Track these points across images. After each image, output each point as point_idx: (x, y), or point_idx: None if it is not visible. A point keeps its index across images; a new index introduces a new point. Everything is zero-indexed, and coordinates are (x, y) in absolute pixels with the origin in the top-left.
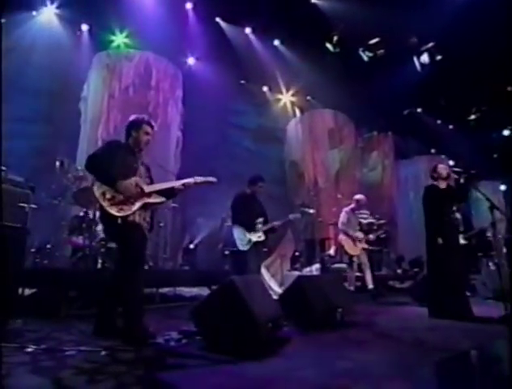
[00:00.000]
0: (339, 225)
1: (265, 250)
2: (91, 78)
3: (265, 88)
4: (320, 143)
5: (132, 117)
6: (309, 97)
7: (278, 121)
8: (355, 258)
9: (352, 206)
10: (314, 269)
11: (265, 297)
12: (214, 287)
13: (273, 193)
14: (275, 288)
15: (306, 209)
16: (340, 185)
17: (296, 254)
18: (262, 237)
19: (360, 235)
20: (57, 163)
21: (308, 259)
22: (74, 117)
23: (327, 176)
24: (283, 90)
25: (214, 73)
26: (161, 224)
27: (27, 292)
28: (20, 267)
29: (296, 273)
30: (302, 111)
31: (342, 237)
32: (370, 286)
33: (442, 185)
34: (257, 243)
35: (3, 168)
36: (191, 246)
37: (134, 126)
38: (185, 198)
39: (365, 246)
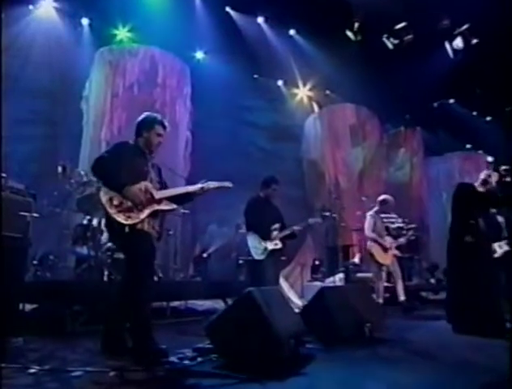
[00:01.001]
0: (366, 232)
1: (283, 258)
2: (92, 76)
3: (280, 83)
4: (341, 140)
5: (143, 116)
6: (328, 91)
7: (294, 117)
8: (384, 267)
9: (377, 208)
10: (338, 279)
11: (286, 310)
12: (228, 299)
13: (290, 196)
14: (295, 301)
15: (327, 213)
16: (364, 186)
17: (316, 262)
18: (279, 245)
19: (390, 241)
20: (59, 168)
21: (330, 268)
22: (76, 118)
23: (350, 176)
24: (300, 84)
25: (224, 67)
26: (170, 232)
27: (28, 307)
28: (21, 281)
29: (318, 284)
30: (321, 106)
31: (371, 244)
32: (402, 298)
33: (481, 188)
34: (273, 251)
35: (3, 174)
36: (204, 255)
37: (146, 125)
38: (195, 204)
39: (397, 253)
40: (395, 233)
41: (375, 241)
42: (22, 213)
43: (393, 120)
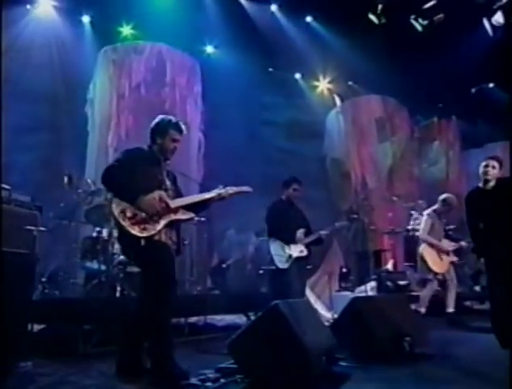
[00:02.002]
0: (421, 233)
1: (308, 267)
2: (96, 77)
3: (297, 75)
4: (367, 135)
5: (156, 120)
6: (350, 82)
7: (315, 112)
8: (440, 275)
9: (436, 207)
10: (369, 288)
11: (316, 324)
12: (250, 314)
13: (313, 198)
14: (323, 313)
15: (354, 215)
16: (395, 185)
17: (344, 270)
18: (305, 252)
19: (448, 245)
20: (65, 177)
21: (360, 276)
22: (81, 122)
23: (378, 174)
24: (320, 76)
25: (237, 62)
26: (186, 242)
27: (36, 327)
28: (29, 300)
29: (347, 294)
30: (343, 99)
31: (424, 248)
32: (450, 309)
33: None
34: (298, 259)
35: (7, 186)
36: (223, 266)
37: (159, 131)
38: (211, 211)
39: (455, 259)
40: (455, 236)
41: (431, 244)
42: (28, 227)
43: (424, 110)
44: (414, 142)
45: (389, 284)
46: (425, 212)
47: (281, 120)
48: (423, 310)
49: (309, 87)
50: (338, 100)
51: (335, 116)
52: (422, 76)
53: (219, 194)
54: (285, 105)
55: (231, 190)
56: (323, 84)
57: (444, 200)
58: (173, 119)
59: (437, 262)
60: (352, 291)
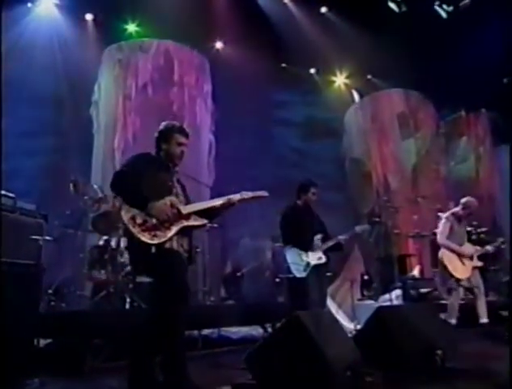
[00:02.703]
0: (439, 238)
1: (328, 274)
2: (101, 77)
3: (312, 71)
4: (389, 132)
5: (160, 127)
6: (369, 76)
7: (332, 110)
8: (464, 282)
9: (455, 210)
10: (394, 297)
11: (339, 336)
12: (267, 325)
13: (332, 202)
14: (345, 324)
15: (376, 219)
16: (420, 185)
17: (366, 277)
18: (324, 259)
19: (471, 250)
20: (71, 184)
21: (384, 284)
22: (86, 125)
23: (401, 174)
24: (336, 70)
25: (247, 58)
26: (198, 250)
27: (42, 343)
28: (35, 313)
29: (371, 303)
30: (362, 94)
31: (444, 253)
32: (484, 320)
33: None
34: (317, 267)
35: (11, 195)
36: (238, 274)
37: (163, 136)
38: (223, 216)
39: (479, 264)
40: (478, 240)
41: (451, 249)
42: (33, 237)
43: (451, 104)
44: (440, 138)
45: (415, 292)
46: (443, 216)
47: (296, 119)
48: (453, 321)
49: (325, 82)
50: (356, 96)
51: (354, 113)
52: (448, 67)
53: (234, 200)
54: (300, 103)
55: (246, 195)
56: (340, 79)
57: (464, 204)
58: (176, 124)
59: (458, 268)
60: (376, 300)
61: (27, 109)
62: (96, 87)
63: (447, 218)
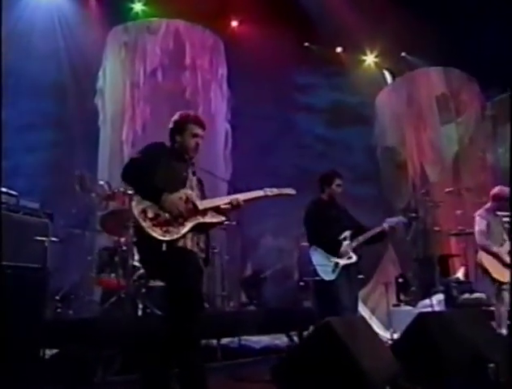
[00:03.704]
0: (479, 239)
1: (360, 276)
2: (106, 63)
3: (339, 49)
4: (426, 116)
5: (175, 116)
6: (403, 53)
7: (361, 93)
8: (506, 285)
9: (488, 205)
10: (436, 302)
11: (376, 346)
12: (293, 333)
13: (362, 195)
14: (380, 332)
15: (413, 214)
16: (463, 176)
17: (400, 280)
18: (354, 258)
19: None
20: (76, 180)
21: (423, 288)
22: (90, 116)
23: (441, 164)
24: (366, 48)
25: (266, 37)
26: (215, 250)
27: (48, 353)
28: (40, 321)
29: (409, 309)
30: (395, 75)
31: (483, 255)
32: None
33: None
34: (347, 267)
35: (13, 192)
36: (260, 277)
37: (177, 128)
38: (242, 213)
39: None
40: None
41: (489, 250)
42: (38, 238)
43: (498, 82)
44: (486, 122)
45: (460, 296)
46: (476, 213)
47: (321, 104)
48: (503, 331)
49: (353, 62)
50: (389, 77)
51: (387, 96)
52: (495, 40)
53: (257, 196)
54: (325, 86)
55: (270, 192)
56: (370, 58)
57: (493, 196)
58: (191, 113)
59: (499, 270)
60: (414, 305)
61: (26, 100)
62: (100, 74)
63: (480, 216)
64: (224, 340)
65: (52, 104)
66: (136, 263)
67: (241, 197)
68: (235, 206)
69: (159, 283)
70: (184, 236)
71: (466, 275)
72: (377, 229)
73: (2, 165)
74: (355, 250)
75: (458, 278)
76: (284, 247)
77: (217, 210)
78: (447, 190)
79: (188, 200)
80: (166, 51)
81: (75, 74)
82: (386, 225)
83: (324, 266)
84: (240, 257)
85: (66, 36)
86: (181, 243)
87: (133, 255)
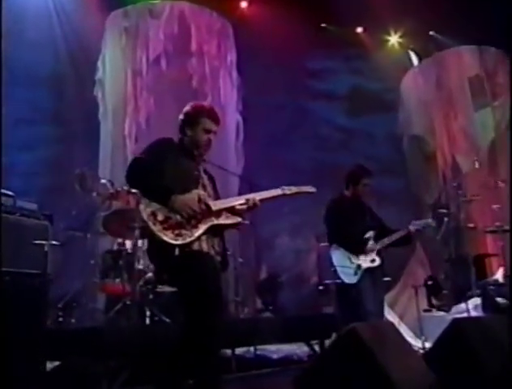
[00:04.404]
0: None
1: (386, 279)
2: (105, 50)
3: (359, 30)
4: (458, 101)
5: (187, 108)
6: (432, 32)
7: (384, 78)
8: None
9: None
10: (472, 306)
11: (408, 355)
12: (313, 342)
13: (387, 190)
14: (409, 340)
15: (444, 210)
16: (500, 166)
17: (430, 282)
18: (378, 261)
19: None
20: (76, 179)
21: (456, 291)
22: (90, 109)
23: (475, 154)
24: (389, 27)
25: (278, 19)
26: (228, 252)
27: (49, 365)
28: (41, 331)
29: (442, 314)
30: (422, 56)
31: None
32: None
33: None
34: (370, 270)
35: (10, 193)
36: (276, 281)
37: (188, 121)
38: (256, 212)
39: None
40: None
41: None
42: (37, 242)
43: None
44: None
45: (499, 300)
46: None
47: (339, 90)
48: None
49: (375, 43)
50: (415, 58)
51: (413, 79)
52: None
53: (274, 195)
54: (344, 71)
55: (288, 190)
56: (394, 38)
57: None
58: (206, 105)
59: None
60: (448, 311)
61: (20, 93)
62: (99, 63)
63: None
64: (239, 350)
65: (48, 97)
66: (142, 267)
67: (257, 196)
68: (251, 206)
69: (168, 288)
70: (198, 238)
71: (505, 276)
72: (403, 232)
73: (1, 166)
74: (378, 253)
75: (496, 280)
76: (302, 248)
77: (232, 210)
78: (482, 182)
79: (200, 200)
80: (170, 36)
81: (73, 64)
82: (412, 228)
83: (345, 267)
84: (254, 259)
85: (63, 22)
86: (196, 246)
87: (139, 258)
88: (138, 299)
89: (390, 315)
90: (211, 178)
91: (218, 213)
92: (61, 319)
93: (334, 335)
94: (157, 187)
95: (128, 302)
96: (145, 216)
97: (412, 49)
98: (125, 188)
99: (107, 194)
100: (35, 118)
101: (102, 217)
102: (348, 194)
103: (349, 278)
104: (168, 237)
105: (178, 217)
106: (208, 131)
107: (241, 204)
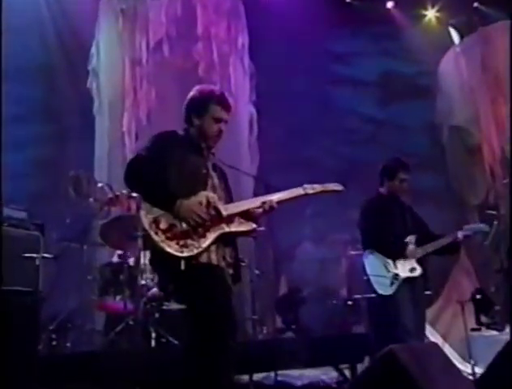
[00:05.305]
0: None
1: (427, 292)
2: (100, 36)
3: (390, 4)
4: (507, 85)
5: (193, 92)
6: (476, 4)
7: (419, 59)
8: None
9: None
10: None
11: (456, 382)
12: (343, 366)
13: (425, 188)
14: (456, 363)
15: (493, 212)
16: None
17: (478, 296)
18: (419, 270)
19: None
20: (71, 183)
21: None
22: (83, 103)
23: None
24: (426, 0)
25: None
26: (243, 264)
27: None
28: (33, 356)
29: (494, 334)
30: (464, 33)
31: None
32: None
33: None
34: (410, 281)
35: None
36: (298, 296)
37: (195, 108)
38: (273, 216)
39: None
40: None
41: None
42: (28, 255)
43: None
44: None
45: None
46: None
47: (367, 76)
48: None
49: (408, 20)
50: (456, 36)
51: (453, 60)
52: None
53: (294, 195)
54: (373, 53)
55: (312, 189)
56: (431, 13)
57: None
58: (216, 90)
59: None
60: (500, 329)
61: (5, 85)
62: (93, 50)
63: None
64: (257, 376)
65: (37, 90)
66: (146, 282)
67: (274, 198)
68: (267, 210)
69: (175, 305)
70: (207, 249)
71: None
72: (449, 239)
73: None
74: (420, 261)
75: None
76: (327, 257)
77: (245, 215)
78: None
79: (209, 205)
80: (173, 18)
81: (63, 52)
82: (460, 235)
83: (380, 277)
84: (272, 271)
85: (50, 2)
86: (204, 258)
87: (142, 272)
88: (141, 318)
89: (431, 335)
90: (222, 175)
91: (229, 219)
92: (54, 343)
93: (367, 359)
94: (160, 191)
95: (130, 322)
96: (146, 224)
97: (453, 25)
98: (126, 192)
99: (105, 199)
100: (20, 114)
101: (100, 226)
102: (384, 192)
103: (384, 289)
104: (172, 249)
105: (184, 225)
106: (219, 120)
107: (255, 207)
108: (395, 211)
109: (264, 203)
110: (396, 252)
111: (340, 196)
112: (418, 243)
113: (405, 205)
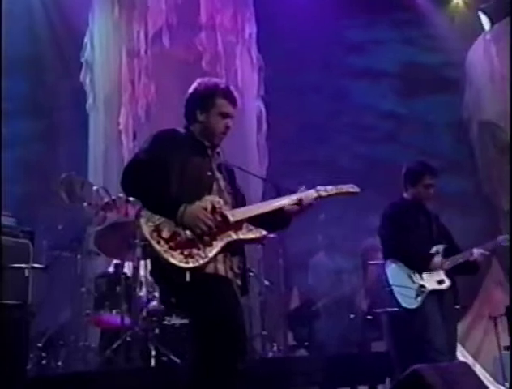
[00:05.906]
0: None
1: (456, 306)
2: (94, 26)
3: None
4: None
5: (195, 85)
6: None
7: (445, 48)
8: None
9: None
10: None
11: None
12: (362, 388)
13: (451, 191)
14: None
15: None
16: None
17: None
18: (447, 282)
19: None
20: (62, 186)
21: None
22: (76, 99)
23: None
24: None
25: None
26: (251, 274)
27: None
28: (22, 377)
29: None
30: (494, 20)
31: None
32: None
33: None
34: (437, 294)
35: None
36: (311, 310)
37: (199, 102)
38: None
39: None
40: None
41: None
42: (16, 265)
43: None
44: None
45: None
46: None
47: (387, 67)
48: None
49: (433, 4)
50: (486, 22)
51: (483, 50)
52: None
53: (307, 198)
54: (392, 42)
55: (325, 191)
56: None
57: None
58: (221, 83)
59: None
60: None
61: None
62: (87, 40)
63: None
64: None
65: (24, 84)
66: (145, 294)
67: (285, 201)
68: (305, 207)
69: (178, 320)
70: (213, 259)
71: None
72: (464, 257)
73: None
74: (447, 273)
75: None
76: (343, 267)
77: (255, 221)
78: None
79: (215, 210)
80: (174, 6)
81: (54, 42)
82: (476, 253)
83: (405, 288)
84: (283, 282)
85: None
86: (210, 269)
87: (141, 284)
88: (140, 334)
89: (460, 354)
90: (229, 176)
91: (237, 225)
92: (44, 362)
93: (388, 381)
94: (160, 196)
95: (128, 339)
96: (147, 233)
97: (483, 10)
98: (122, 196)
99: (100, 203)
100: (9, 110)
101: (95, 233)
102: (409, 198)
103: (409, 301)
104: (175, 260)
105: (188, 233)
106: (226, 115)
107: (265, 212)
108: (420, 219)
109: (301, 199)
110: (422, 262)
111: (357, 200)
112: (446, 254)
113: (431, 214)
